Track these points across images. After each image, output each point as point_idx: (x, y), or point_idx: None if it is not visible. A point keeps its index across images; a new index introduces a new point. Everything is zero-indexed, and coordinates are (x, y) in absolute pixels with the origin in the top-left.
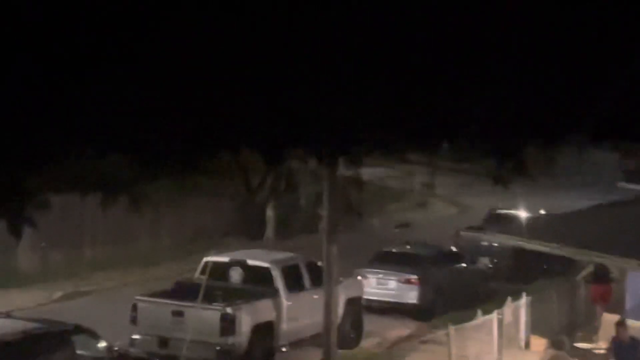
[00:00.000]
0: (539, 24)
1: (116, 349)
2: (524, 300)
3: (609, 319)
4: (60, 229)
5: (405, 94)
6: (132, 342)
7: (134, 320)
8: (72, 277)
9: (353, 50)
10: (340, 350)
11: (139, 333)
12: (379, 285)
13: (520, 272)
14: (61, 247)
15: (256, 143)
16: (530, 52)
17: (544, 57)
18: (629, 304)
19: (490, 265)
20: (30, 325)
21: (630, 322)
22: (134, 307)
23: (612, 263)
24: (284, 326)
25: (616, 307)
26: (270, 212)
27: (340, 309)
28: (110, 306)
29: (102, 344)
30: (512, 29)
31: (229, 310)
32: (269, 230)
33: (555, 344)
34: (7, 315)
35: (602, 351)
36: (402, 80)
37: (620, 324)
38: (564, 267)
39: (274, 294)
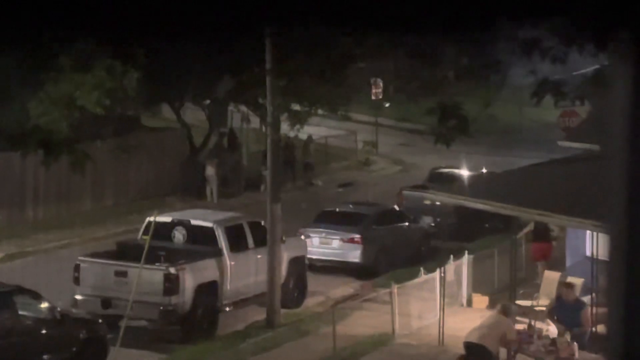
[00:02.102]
0: None
1: (59, 309)
2: (465, 258)
3: (550, 277)
4: (1, 188)
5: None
6: (75, 303)
7: (76, 281)
8: (14, 238)
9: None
10: (283, 310)
11: (81, 293)
12: (323, 245)
13: (463, 230)
14: (2, 207)
15: (199, 99)
16: None
17: None
18: (569, 261)
19: (433, 224)
20: None
21: (571, 279)
22: (77, 268)
23: (553, 221)
24: (228, 286)
25: (557, 264)
26: (209, 172)
27: (284, 269)
28: (52, 267)
29: (45, 305)
30: None
31: (172, 270)
32: (209, 190)
33: (501, 311)
34: None
35: (542, 308)
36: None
37: (568, 285)
38: (506, 226)
39: (217, 253)
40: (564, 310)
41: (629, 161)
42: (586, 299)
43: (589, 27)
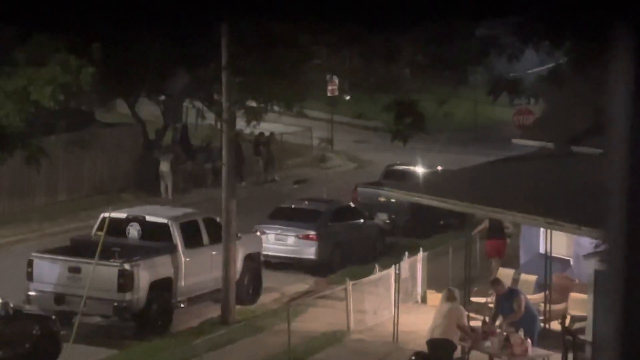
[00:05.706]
0: None
1: (11, 305)
2: (420, 255)
3: (504, 274)
4: None
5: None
6: (28, 299)
7: (29, 277)
8: None
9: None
10: (238, 306)
11: (34, 289)
12: (278, 241)
13: (417, 227)
14: None
15: (153, 94)
16: None
17: None
18: (523, 258)
19: (388, 221)
20: None
21: (525, 276)
22: (30, 263)
23: (507, 218)
24: (182, 282)
25: (511, 261)
26: (164, 167)
27: (239, 265)
28: (5, 262)
29: None
30: None
31: (126, 266)
32: (164, 186)
33: (448, 297)
34: None
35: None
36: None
37: (496, 282)
38: (460, 223)
39: (172, 250)
40: (501, 301)
41: (627, 164)
42: (540, 295)
43: (548, 25)
